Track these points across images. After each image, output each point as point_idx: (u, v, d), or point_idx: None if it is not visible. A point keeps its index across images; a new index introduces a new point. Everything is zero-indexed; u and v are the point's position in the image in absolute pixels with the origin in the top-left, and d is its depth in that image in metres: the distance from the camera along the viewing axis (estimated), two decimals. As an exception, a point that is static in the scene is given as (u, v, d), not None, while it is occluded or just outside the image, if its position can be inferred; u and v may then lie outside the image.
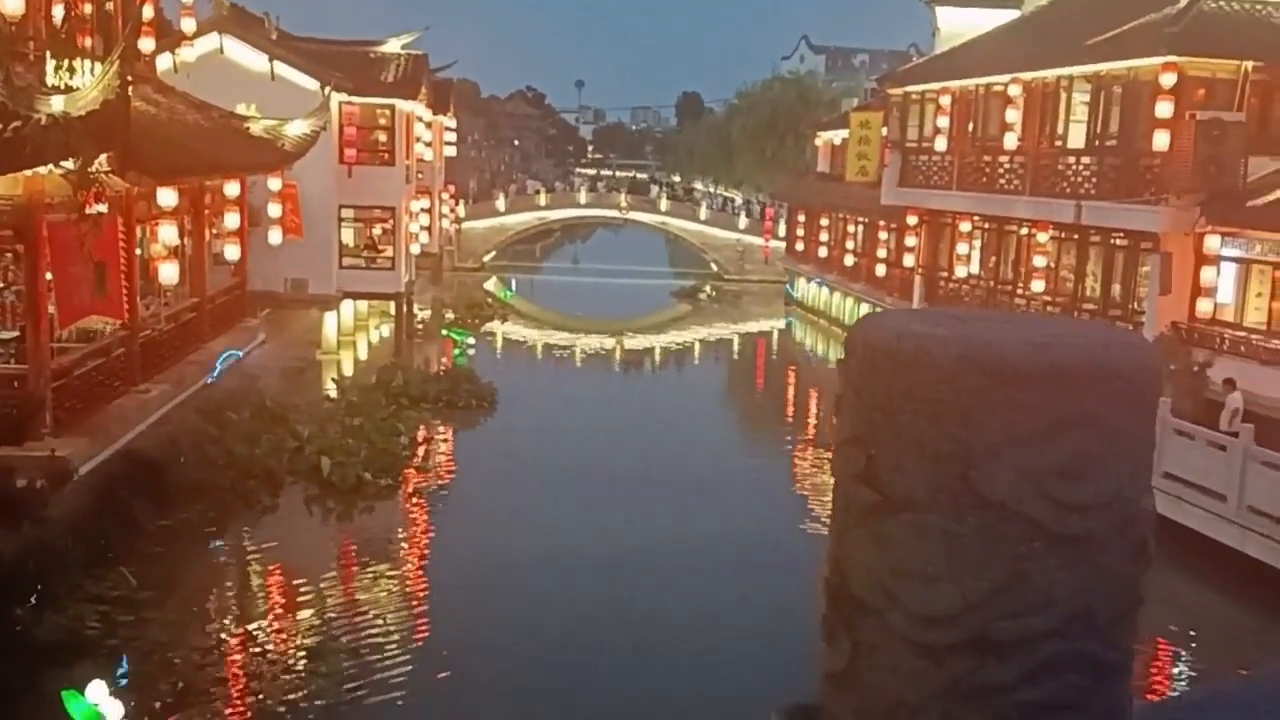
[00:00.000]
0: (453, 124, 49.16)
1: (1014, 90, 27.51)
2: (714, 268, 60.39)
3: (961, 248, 31.56)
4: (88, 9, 19.21)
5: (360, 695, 13.29)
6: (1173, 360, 21.05)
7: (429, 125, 41.24)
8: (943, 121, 31.17)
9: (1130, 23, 24.31)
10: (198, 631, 14.71)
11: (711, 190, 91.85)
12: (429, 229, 42.67)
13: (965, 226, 31.25)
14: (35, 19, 17.00)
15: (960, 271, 31.70)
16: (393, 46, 38.34)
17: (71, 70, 17.17)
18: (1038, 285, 27.39)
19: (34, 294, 15.84)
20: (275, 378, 26.93)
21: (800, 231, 50.22)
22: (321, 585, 16.92)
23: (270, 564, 18.17)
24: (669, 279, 61.76)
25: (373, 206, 35.02)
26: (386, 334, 38.46)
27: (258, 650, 14.54)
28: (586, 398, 33.55)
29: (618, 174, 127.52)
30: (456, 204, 56.92)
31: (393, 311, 37.90)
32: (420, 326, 40.25)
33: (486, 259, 60.65)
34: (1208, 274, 22.32)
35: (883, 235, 38.64)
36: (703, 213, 63.81)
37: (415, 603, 16.77)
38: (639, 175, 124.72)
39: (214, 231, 25.70)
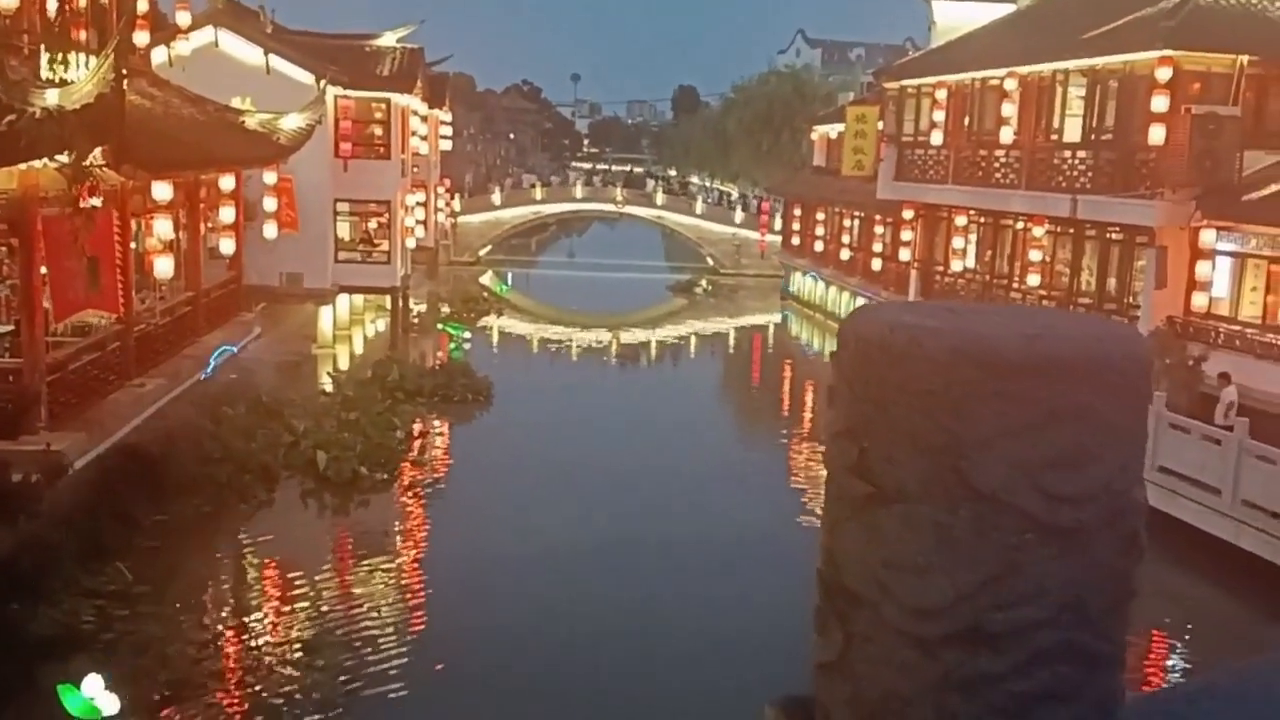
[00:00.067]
0: (448, 118, 49.05)
1: (1010, 84, 27.50)
2: (710, 262, 60.38)
3: (957, 242, 31.57)
4: (82, 2, 19.17)
5: (356, 688, 13.30)
6: (1168, 354, 21.07)
7: (424, 119, 41.17)
8: (939, 116, 31.16)
9: (1126, 17, 24.31)
10: (193, 626, 14.70)
11: (707, 184, 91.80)
12: (424, 223, 42.61)
13: (961, 221, 31.26)
14: (30, 12, 16.96)
15: (956, 266, 31.72)
16: (388, 40, 38.27)
17: (66, 64, 17.13)
18: (1033, 279, 27.42)
19: (28, 288, 15.81)
20: (271, 372, 26.91)
21: (796, 226, 50.21)
22: (317, 579, 16.92)
23: (266, 558, 18.17)
24: (665, 273, 61.75)
25: (368, 200, 34.96)
26: (382, 328, 38.42)
27: (254, 644, 14.55)
28: (582, 392, 33.54)
29: (613, 168, 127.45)
30: (452, 198, 56.86)
31: (388, 306, 37.87)
32: (416, 321, 40.22)
33: (482, 253, 60.60)
34: (1203, 268, 22.35)
35: (878, 229, 38.65)
36: (699, 207, 63.78)
37: (411, 596, 16.78)
38: (635, 169, 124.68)
39: (209, 225, 25.65)
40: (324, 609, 15.71)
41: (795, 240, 50.13)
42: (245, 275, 28.01)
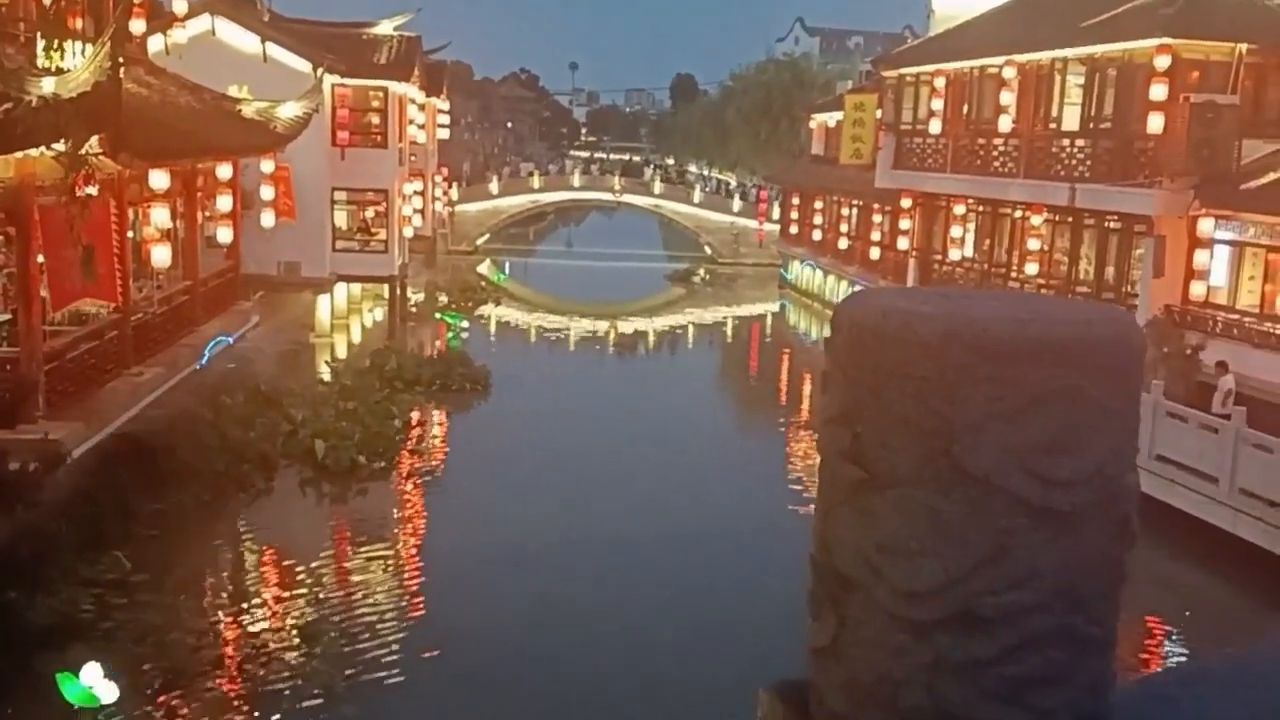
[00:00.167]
0: (446, 106, 48.94)
1: (1009, 72, 27.45)
2: (708, 251, 60.32)
3: (956, 231, 31.55)
4: (78, -10, 19.09)
5: (355, 676, 13.32)
6: (1166, 343, 21.08)
7: (422, 107, 41.06)
8: (937, 104, 31.11)
9: (1125, 5, 24.27)
10: (192, 614, 14.72)
11: (705, 173, 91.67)
12: (422, 212, 42.53)
13: (959, 209, 31.23)
14: (25, 0, 16.90)
15: (954, 254, 31.70)
16: (386, 28, 38.15)
17: (62, 51, 17.06)
18: (1031, 268, 27.41)
19: (25, 277, 15.80)
20: (269, 361, 26.91)
21: (794, 215, 50.17)
22: (316, 567, 16.94)
23: (264, 547, 18.20)
24: (663, 262, 61.70)
25: (366, 189, 34.88)
26: (380, 317, 38.40)
27: (252, 632, 14.57)
28: (580, 381, 33.56)
29: (611, 156, 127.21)
30: (450, 187, 56.75)
31: (386, 295, 37.82)
32: (414, 310, 40.21)
33: (480, 242, 60.53)
34: (1201, 257, 22.34)
35: (877, 218, 38.61)
36: (697, 196, 63.69)
37: (409, 584, 16.80)
38: (633, 158, 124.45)
39: (206, 214, 25.61)
40: (322, 597, 15.74)
41: (793, 229, 50.08)
42: (243, 264, 27.98)
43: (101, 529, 15.60)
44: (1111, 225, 25.13)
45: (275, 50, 31.68)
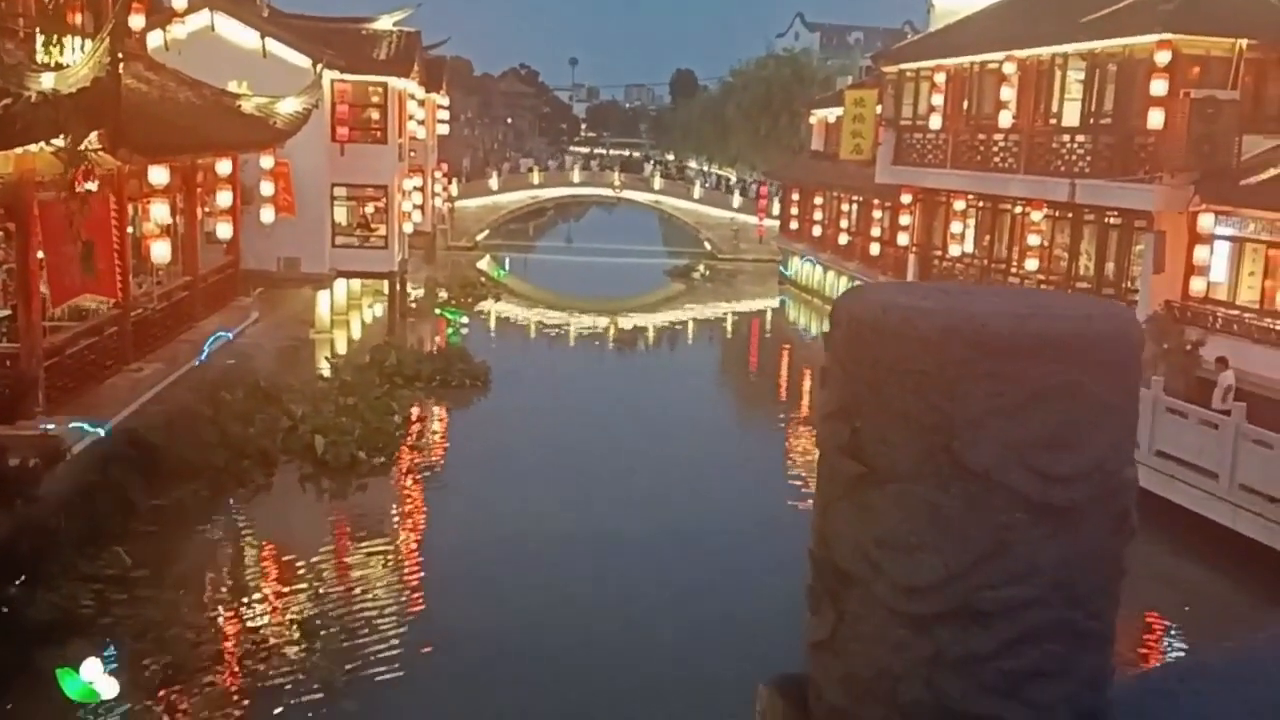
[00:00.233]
0: (446, 102, 48.89)
1: (1009, 68, 27.44)
2: (708, 247, 60.31)
3: (956, 226, 31.54)
4: (77, -15, 19.07)
5: (354, 671, 13.33)
6: (1166, 339, 21.09)
7: (422, 103, 41.03)
8: (937, 99, 31.09)
9: (1125, 0, 24.24)
10: (192, 610, 14.73)
11: (705, 169, 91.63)
12: (422, 207, 42.52)
13: (959, 205, 31.22)
14: (24, -5, 16.90)
15: (954, 250, 31.70)
16: (385, 24, 38.13)
17: (61, 47, 17.05)
18: (1032, 264, 27.41)
19: (25, 273, 15.80)
20: (269, 357, 26.89)
21: (794, 210, 50.16)
22: (315, 563, 16.95)
23: (264, 542, 18.20)
24: (663, 258, 61.69)
25: (365, 185, 34.87)
26: (380, 313, 38.38)
27: (252, 628, 14.58)
28: (580, 377, 33.56)
29: (611, 152, 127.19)
30: (450, 182, 56.73)
31: (386, 290, 37.81)
32: (414, 305, 40.21)
33: (480, 238, 60.52)
34: (1201, 253, 22.34)
35: (877, 214, 38.61)
36: (697, 191, 63.68)
37: (409, 580, 16.81)
38: (633, 154, 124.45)
39: (206, 210, 25.62)
40: (322, 592, 15.75)
41: (793, 225, 50.07)
42: (242, 260, 28.01)
43: (101, 524, 15.60)
44: (1112, 221, 25.13)
45: (275, 46, 31.65)
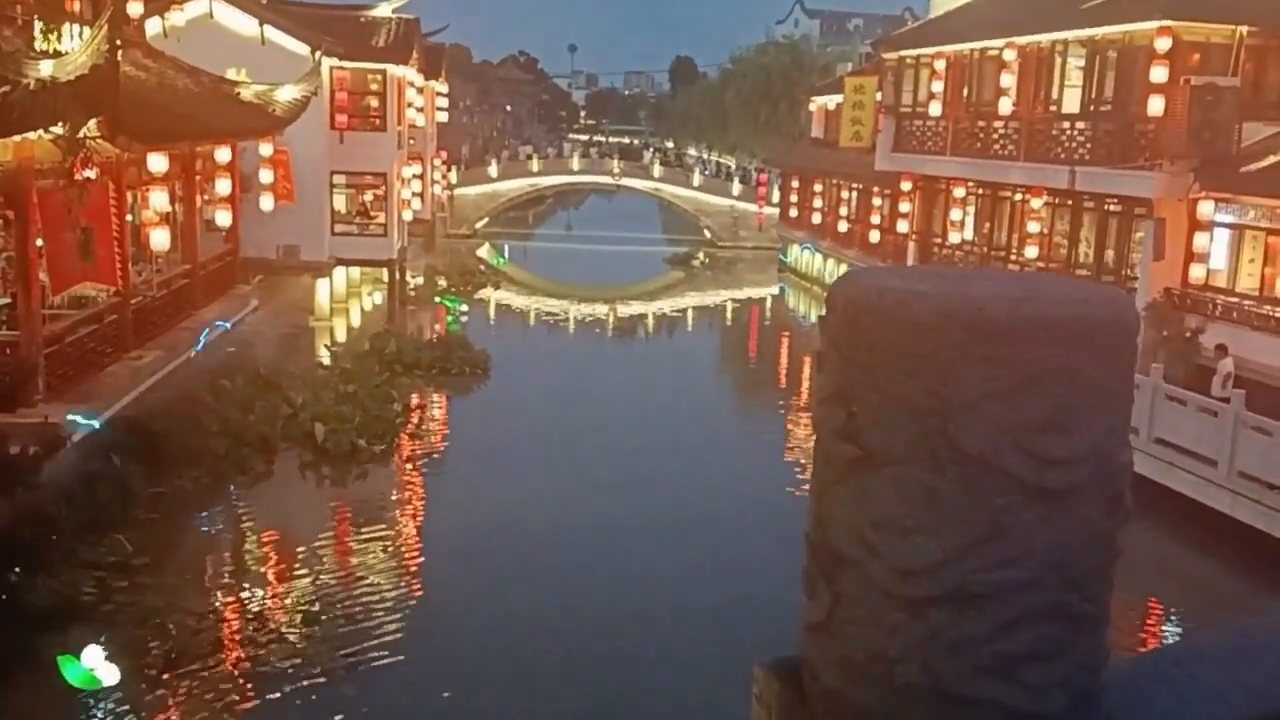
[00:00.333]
0: (445, 89, 48.78)
1: (1009, 55, 27.37)
2: (707, 234, 60.23)
3: (955, 214, 31.50)
4: (75, -28, 19.02)
5: (355, 658, 13.37)
6: (1165, 326, 21.08)
7: (421, 90, 40.94)
8: (937, 86, 31.02)
9: (1125, -14, 24.17)
10: (193, 597, 14.74)
11: (705, 156, 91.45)
12: (421, 195, 42.45)
13: (959, 192, 31.18)
14: (22, -18, 16.85)
15: (954, 238, 31.67)
16: (384, 11, 37.99)
17: (59, 35, 17.02)
18: (1031, 251, 27.38)
19: (24, 260, 15.79)
20: (268, 344, 26.89)
21: (794, 198, 50.07)
22: (316, 550, 16.98)
23: (265, 530, 18.22)
24: (662, 246, 61.61)
25: (364, 172, 34.81)
26: (379, 301, 38.37)
27: (253, 615, 14.61)
28: (580, 365, 33.55)
29: (610, 140, 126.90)
30: (449, 170, 56.63)
31: (385, 278, 37.78)
32: (413, 293, 40.18)
33: (479, 225, 60.43)
34: (1201, 240, 22.32)
35: (876, 201, 38.55)
36: (696, 179, 63.55)
37: (409, 567, 16.84)
38: (632, 141, 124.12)
39: (205, 197, 25.59)
40: (322, 579, 15.78)
41: (793, 212, 50.00)
42: (242, 248, 27.98)
43: (102, 512, 15.62)
44: (1111, 208, 25.10)
45: (273, 33, 31.56)
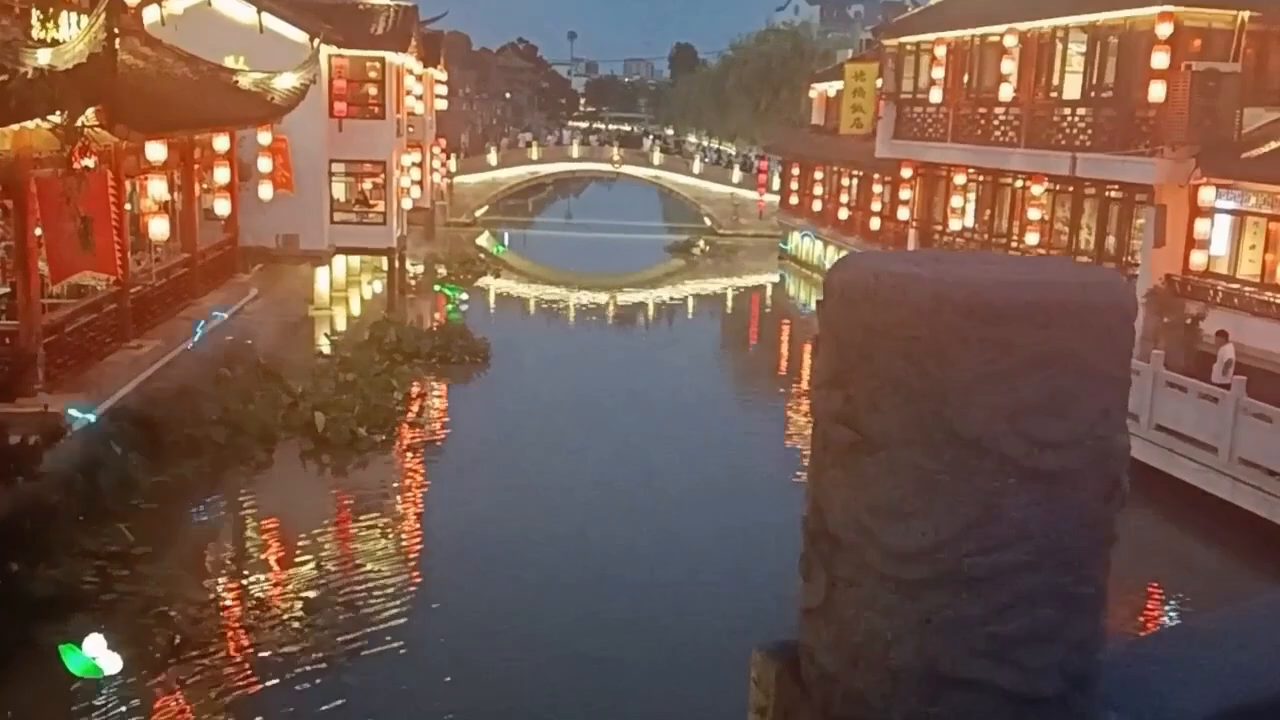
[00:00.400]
0: (444, 77, 48.67)
1: (1009, 41, 27.30)
2: (708, 222, 60.18)
3: (956, 200, 31.47)
4: (72, -40, 18.96)
5: (356, 646, 13.40)
6: (1166, 313, 21.08)
7: (419, 78, 40.84)
8: (938, 73, 30.95)
9: (1126, -28, 24.08)
10: (194, 585, 14.77)
11: (705, 144, 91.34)
12: (420, 183, 42.39)
13: (960, 179, 31.15)
14: (19, -29, 16.81)
15: (955, 224, 31.64)
16: (383, -2, 37.90)
17: (57, 23, 16.97)
18: (1032, 238, 27.34)
19: (23, 250, 15.78)
20: (268, 334, 26.88)
21: (794, 185, 50.02)
22: (316, 539, 17.01)
23: (265, 518, 18.25)
24: (662, 233, 61.54)
25: (363, 161, 34.75)
26: (379, 289, 38.35)
27: (254, 603, 14.64)
28: (580, 352, 33.56)
29: (610, 127, 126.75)
30: (448, 158, 56.51)
31: (385, 267, 37.76)
32: (413, 282, 40.15)
33: (479, 214, 60.36)
34: (1202, 226, 22.29)
35: (877, 188, 38.50)
36: (696, 166, 63.45)
37: (409, 555, 16.88)
38: (632, 129, 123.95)
39: (204, 186, 25.56)
40: (323, 568, 15.81)
41: (793, 200, 49.95)
42: (241, 236, 27.96)
43: (102, 501, 15.62)
44: (1112, 195, 25.06)
45: (271, 21, 31.47)
